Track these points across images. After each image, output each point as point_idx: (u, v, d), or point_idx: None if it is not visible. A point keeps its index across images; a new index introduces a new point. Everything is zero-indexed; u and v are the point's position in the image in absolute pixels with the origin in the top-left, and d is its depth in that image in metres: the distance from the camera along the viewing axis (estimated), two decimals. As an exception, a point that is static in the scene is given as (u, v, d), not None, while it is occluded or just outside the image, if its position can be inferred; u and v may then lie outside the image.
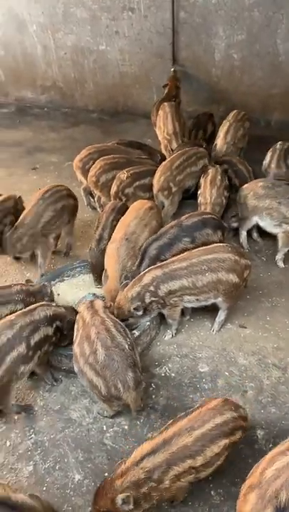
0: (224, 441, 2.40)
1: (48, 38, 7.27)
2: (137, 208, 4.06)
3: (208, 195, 4.48)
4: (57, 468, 2.78)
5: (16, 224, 4.05)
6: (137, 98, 7.21)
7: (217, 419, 2.42)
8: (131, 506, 2.22)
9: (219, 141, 5.34)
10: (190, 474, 2.37)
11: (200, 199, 4.54)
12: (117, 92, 7.34)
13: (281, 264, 4.20)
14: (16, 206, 4.36)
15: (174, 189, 4.55)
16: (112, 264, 3.68)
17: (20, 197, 4.47)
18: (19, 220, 4.06)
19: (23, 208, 4.30)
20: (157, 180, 4.53)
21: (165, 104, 5.80)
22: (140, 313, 3.31)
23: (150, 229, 3.95)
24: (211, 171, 4.68)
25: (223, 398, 2.61)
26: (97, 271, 3.86)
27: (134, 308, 3.29)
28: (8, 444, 2.92)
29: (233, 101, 6.16)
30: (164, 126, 5.58)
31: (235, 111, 5.58)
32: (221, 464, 2.47)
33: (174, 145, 5.38)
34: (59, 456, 2.82)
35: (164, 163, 4.70)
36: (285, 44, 6.05)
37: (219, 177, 4.61)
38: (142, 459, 2.32)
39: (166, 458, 2.30)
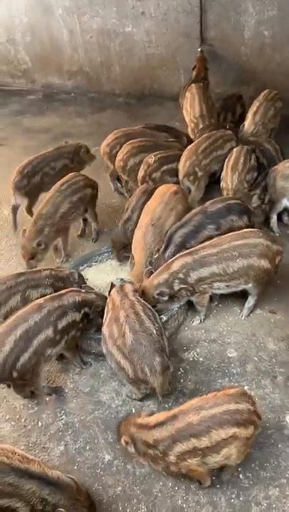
0: (234, 430, 2.31)
1: (74, 21, 7.21)
2: (162, 192, 4.02)
3: (230, 181, 4.35)
4: (87, 448, 2.84)
5: (34, 217, 4.06)
6: (164, 80, 7.09)
7: (231, 405, 2.36)
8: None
9: (247, 122, 5.20)
10: (195, 456, 2.35)
11: (222, 183, 4.43)
12: (143, 74, 7.24)
13: None
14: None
15: (199, 174, 4.45)
16: (138, 250, 3.69)
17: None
18: (37, 212, 4.10)
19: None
20: (182, 165, 4.45)
21: (192, 85, 5.67)
22: (165, 298, 3.31)
23: (176, 213, 3.91)
24: (234, 153, 4.52)
25: (243, 389, 2.58)
26: (116, 248, 3.98)
27: (157, 294, 3.28)
28: (40, 424, 3.00)
29: (263, 81, 5.96)
30: (190, 109, 5.47)
31: (266, 90, 5.40)
32: (232, 456, 2.39)
33: (200, 127, 5.28)
34: (89, 437, 2.88)
35: (189, 147, 4.60)
36: None
37: (242, 160, 4.45)
38: (154, 426, 2.40)
39: (172, 433, 2.33)
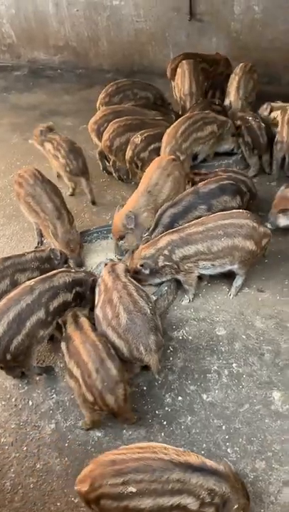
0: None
1: (60, -7, 6.99)
2: (159, 159, 4.04)
3: (286, 134, 4.42)
4: (78, 426, 2.88)
5: None
6: (153, 56, 6.96)
7: None
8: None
9: (232, 98, 5.10)
10: None
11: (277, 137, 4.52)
12: (132, 50, 7.08)
13: None
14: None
15: (182, 157, 4.28)
16: (127, 207, 3.80)
17: None
18: None
19: None
20: (163, 151, 4.31)
21: (184, 61, 5.55)
22: (147, 271, 3.35)
23: (173, 179, 3.90)
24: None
25: None
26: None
27: (140, 265, 3.34)
28: (30, 403, 3.02)
29: (253, 57, 5.85)
30: (181, 85, 5.38)
31: (241, 63, 5.31)
32: None
33: (188, 105, 5.21)
34: (80, 415, 2.91)
35: (168, 130, 4.39)
36: (310, -6, 5.68)
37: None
38: None
39: None
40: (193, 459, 2.15)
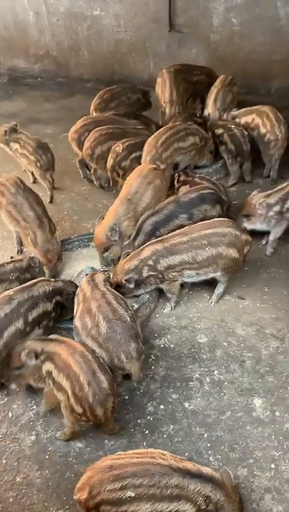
0: None
1: (40, 3, 7.02)
2: (141, 168, 4.06)
3: (279, 131, 4.57)
4: (57, 437, 2.83)
5: None
6: (134, 66, 7.03)
7: None
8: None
9: (210, 109, 5.19)
10: None
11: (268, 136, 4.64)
12: (112, 60, 7.13)
13: None
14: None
15: (162, 167, 4.29)
16: (108, 217, 3.79)
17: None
18: None
19: None
20: (144, 160, 4.34)
21: (163, 70, 5.61)
22: (132, 285, 3.34)
23: (154, 187, 3.92)
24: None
25: None
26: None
27: (125, 280, 3.32)
28: (10, 415, 2.96)
29: (232, 68, 5.98)
30: (162, 94, 5.43)
31: (222, 76, 5.41)
32: None
33: (168, 112, 5.26)
34: (60, 426, 2.86)
35: (149, 140, 4.41)
36: (286, 7, 5.83)
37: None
38: None
39: None
40: (190, 465, 2.14)
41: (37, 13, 7.11)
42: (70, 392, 2.55)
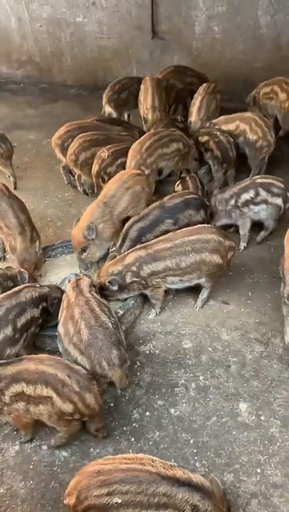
0: None
1: (22, 9, 7.01)
2: (123, 173, 4.06)
3: (271, 137, 4.74)
4: (43, 446, 2.79)
5: None
6: (117, 72, 7.03)
7: None
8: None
9: (193, 118, 5.23)
10: None
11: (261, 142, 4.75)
12: (95, 66, 7.15)
13: None
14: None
15: (146, 172, 4.29)
16: (84, 219, 3.78)
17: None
18: None
19: None
20: (128, 165, 4.33)
21: (146, 78, 5.65)
22: (115, 288, 3.34)
23: (132, 193, 3.90)
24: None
25: None
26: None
27: (108, 282, 3.32)
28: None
29: (214, 75, 6.04)
30: (144, 101, 5.46)
31: (205, 84, 5.45)
32: None
33: (150, 118, 5.29)
34: (45, 435, 2.83)
35: (133, 146, 4.41)
36: (266, 16, 5.94)
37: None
38: None
39: None
40: (180, 473, 2.12)
41: (19, 18, 7.09)
42: (54, 395, 2.50)
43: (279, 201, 3.99)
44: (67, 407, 2.52)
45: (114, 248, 3.72)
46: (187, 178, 4.45)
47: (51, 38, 7.13)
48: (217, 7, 6.08)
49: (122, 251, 3.61)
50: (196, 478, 2.14)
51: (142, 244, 3.46)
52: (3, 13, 7.10)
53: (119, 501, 2.02)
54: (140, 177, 4.05)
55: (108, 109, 5.59)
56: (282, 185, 4.03)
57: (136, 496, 2.02)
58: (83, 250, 3.75)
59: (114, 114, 5.55)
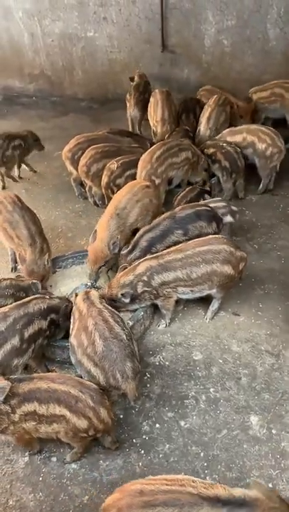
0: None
1: (35, 25, 7.15)
2: (132, 184, 4.10)
3: (281, 143, 4.80)
4: (53, 458, 2.78)
5: None
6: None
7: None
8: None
9: (202, 127, 5.32)
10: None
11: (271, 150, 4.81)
12: (106, 79, 7.25)
13: None
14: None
15: (157, 181, 4.37)
16: (102, 230, 3.79)
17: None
18: None
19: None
20: (139, 175, 4.40)
21: (156, 91, 5.73)
22: (127, 300, 3.35)
23: (142, 205, 3.96)
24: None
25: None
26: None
27: (121, 294, 3.32)
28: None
29: (223, 87, 6.09)
30: (154, 113, 5.53)
31: (215, 95, 5.51)
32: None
33: (159, 130, 5.35)
34: (54, 446, 2.82)
35: (143, 156, 4.48)
36: (275, 29, 5.99)
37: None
38: None
39: None
40: (221, 491, 2.06)
41: (32, 34, 7.24)
42: (68, 414, 2.49)
43: (228, 218, 4.07)
44: (82, 424, 2.51)
45: (122, 253, 3.73)
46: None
47: (63, 52, 7.26)
48: (226, 21, 6.16)
49: (129, 258, 3.63)
50: (238, 493, 2.07)
51: (154, 255, 3.47)
52: (16, 29, 7.26)
53: None
54: (149, 189, 4.08)
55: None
56: (224, 203, 4.11)
57: None
58: (103, 265, 3.76)
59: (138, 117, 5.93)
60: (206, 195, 4.40)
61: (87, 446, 2.73)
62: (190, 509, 1.98)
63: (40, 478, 2.69)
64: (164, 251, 3.47)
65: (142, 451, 2.78)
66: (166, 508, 1.98)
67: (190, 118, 5.74)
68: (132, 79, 6.24)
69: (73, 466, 2.73)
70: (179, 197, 4.33)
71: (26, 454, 2.80)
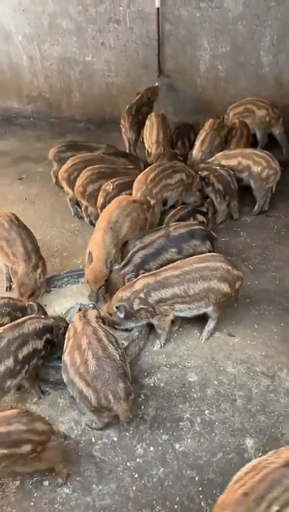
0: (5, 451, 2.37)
1: (34, 48, 7.30)
2: (119, 199, 4.19)
3: (275, 164, 4.90)
4: (44, 482, 2.72)
5: None
6: (123, 108, 7.24)
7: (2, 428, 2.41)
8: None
9: (195, 150, 5.41)
10: None
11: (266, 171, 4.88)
12: (103, 101, 7.37)
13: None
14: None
15: (152, 202, 4.42)
16: (97, 248, 3.81)
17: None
18: None
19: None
20: (134, 196, 4.43)
21: (152, 114, 5.85)
22: (121, 315, 3.34)
23: (131, 219, 4.06)
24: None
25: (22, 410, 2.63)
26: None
27: (116, 307, 3.33)
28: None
29: (218, 111, 6.21)
30: (149, 136, 5.63)
31: (211, 120, 5.61)
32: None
33: (153, 152, 5.44)
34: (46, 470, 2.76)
35: (138, 178, 4.53)
36: (268, 56, 6.16)
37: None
38: None
39: None
40: None
41: (31, 57, 7.39)
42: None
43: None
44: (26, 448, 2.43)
45: (116, 274, 3.74)
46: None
47: (61, 75, 7.40)
48: (221, 47, 6.32)
49: (122, 273, 3.68)
50: None
51: (151, 272, 3.50)
52: (15, 52, 7.41)
53: None
54: (136, 204, 4.18)
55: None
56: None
57: None
58: (104, 283, 3.77)
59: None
60: (199, 215, 4.42)
61: (58, 459, 2.65)
62: None
63: (32, 503, 2.63)
64: (162, 268, 3.49)
65: (136, 475, 2.74)
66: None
67: (185, 144, 5.83)
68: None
69: (65, 490, 2.68)
70: (169, 216, 4.38)
71: (17, 477, 2.74)
